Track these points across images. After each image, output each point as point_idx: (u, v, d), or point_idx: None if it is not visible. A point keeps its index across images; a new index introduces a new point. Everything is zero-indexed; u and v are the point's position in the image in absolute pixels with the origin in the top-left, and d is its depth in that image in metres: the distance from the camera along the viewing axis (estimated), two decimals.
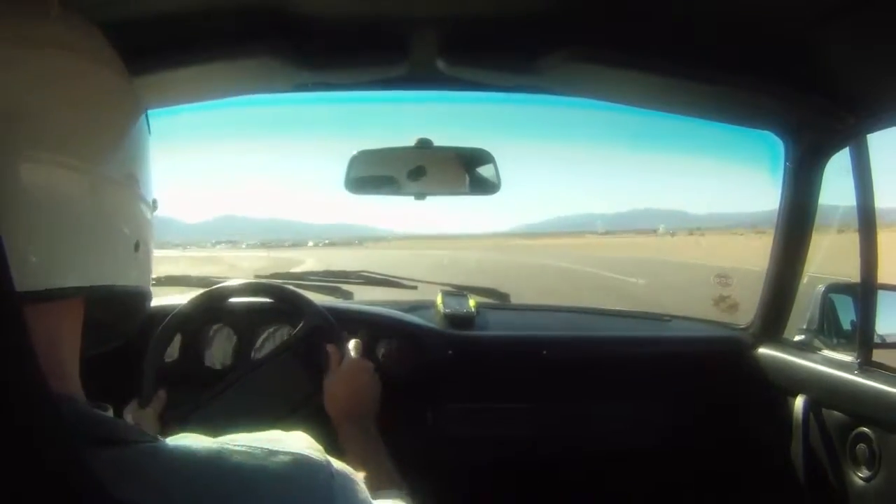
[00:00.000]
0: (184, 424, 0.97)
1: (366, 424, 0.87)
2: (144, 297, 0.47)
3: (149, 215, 0.46)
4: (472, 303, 1.34)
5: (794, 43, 0.84)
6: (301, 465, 0.38)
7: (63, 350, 0.41)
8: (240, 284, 1.15)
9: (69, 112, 0.39)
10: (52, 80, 0.38)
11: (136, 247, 0.43)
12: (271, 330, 1.16)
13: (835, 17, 0.77)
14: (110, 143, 0.42)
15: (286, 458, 0.38)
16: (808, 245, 1.20)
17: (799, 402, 1.10)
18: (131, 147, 0.44)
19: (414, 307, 1.36)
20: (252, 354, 1.14)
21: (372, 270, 1.54)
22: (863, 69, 0.87)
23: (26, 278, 0.35)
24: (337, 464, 0.41)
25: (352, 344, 0.99)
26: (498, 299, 1.54)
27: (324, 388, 0.95)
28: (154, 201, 0.47)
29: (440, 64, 0.94)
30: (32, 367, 0.31)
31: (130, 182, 0.42)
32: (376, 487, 0.68)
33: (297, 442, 0.40)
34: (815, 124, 1.06)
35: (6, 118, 0.35)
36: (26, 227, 0.35)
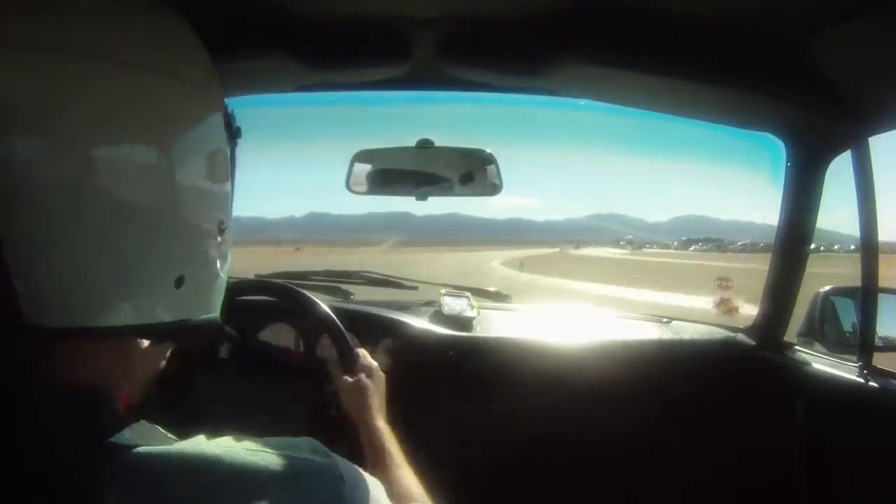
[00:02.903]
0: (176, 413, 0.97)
1: (385, 425, 0.86)
2: (201, 328, 0.45)
3: (204, 244, 0.44)
4: (473, 304, 1.34)
5: (797, 46, 0.84)
6: (310, 468, 0.38)
7: (111, 376, 0.41)
8: (247, 282, 1.14)
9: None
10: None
11: (180, 282, 0.41)
12: (274, 328, 1.15)
13: (837, 20, 0.77)
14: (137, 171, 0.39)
15: (295, 462, 0.38)
16: (809, 248, 1.20)
17: (799, 403, 1.10)
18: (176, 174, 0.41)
19: (415, 308, 1.36)
20: (253, 352, 1.14)
21: (373, 270, 1.54)
22: (865, 72, 0.87)
23: (66, 315, 0.36)
24: (345, 465, 0.41)
25: (361, 351, 0.97)
26: (499, 301, 1.54)
27: (341, 387, 0.92)
28: (221, 223, 0.45)
29: (442, 65, 0.94)
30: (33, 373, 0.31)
31: (172, 217, 0.41)
32: (403, 496, 0.67)
33: (305, 446, 0.40)
34: (816, 127, 1.06)
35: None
36: (64, 265, 0.36)
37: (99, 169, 0.37)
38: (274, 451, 0.38)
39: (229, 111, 0.47)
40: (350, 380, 0.93)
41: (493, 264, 29.46)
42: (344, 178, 1.24)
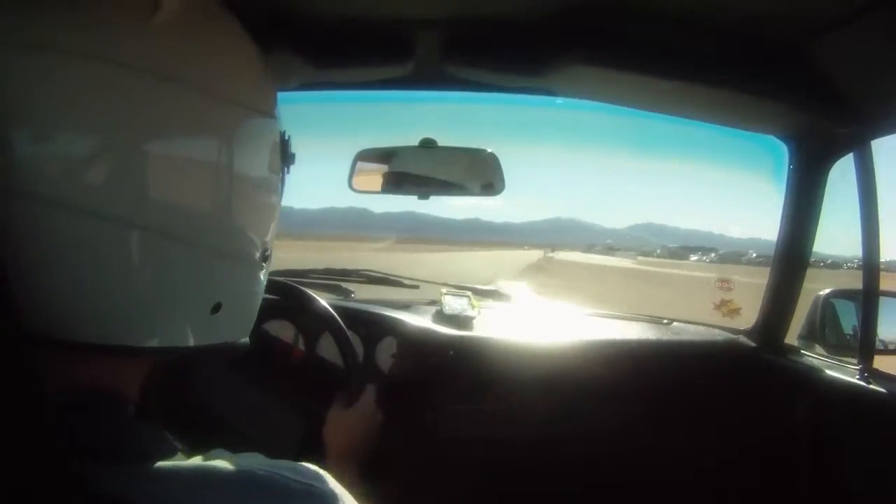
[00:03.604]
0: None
1: (355, 471, 0.84)
2: (229, 350, 0.45)
3: (245, 272, 0.43)
4: (474, 303, 1.34)
5: (799, 48, 0.84)
6: (317, 495, 0.39)
7: (129, 381, 0.41)
8: (278, 283, 1.13)
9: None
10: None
11: (216, 308, 0.41)
12: (274, 324, 1.16)
13: (840, 22, 0.77)
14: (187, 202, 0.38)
15: (305, 488, 0.38)
16: (811, 250, 1.20)
17: (800, 406, 1.10)
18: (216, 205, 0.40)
19: (415, 307, 1.36)
20: (253, 349, 1.13)
21: (374, 269, 1.54)
22: (867, 75, 0.87)
23: (94, 329, 0.37)
24: (349, 496, 0.42)
25: (370, 387, 0.96)
26: (500, 300, 1.54)
27: (330, 418, 0.90)
28: (266, 251, 0.45)
29: (445, 65, 0.94)
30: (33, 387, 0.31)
31: (212, 244, 0.40)
32: None
33: (313, 473, 0.41)
34: (819, 129, 1.06)
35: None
36: (101, 283, 0.36)
37: (153, 189, 0.37)
38: (286, 475, 0.38)
39: (286, 137, 0.47)
40: (345, 410, 0.91)
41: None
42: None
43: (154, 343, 0.39)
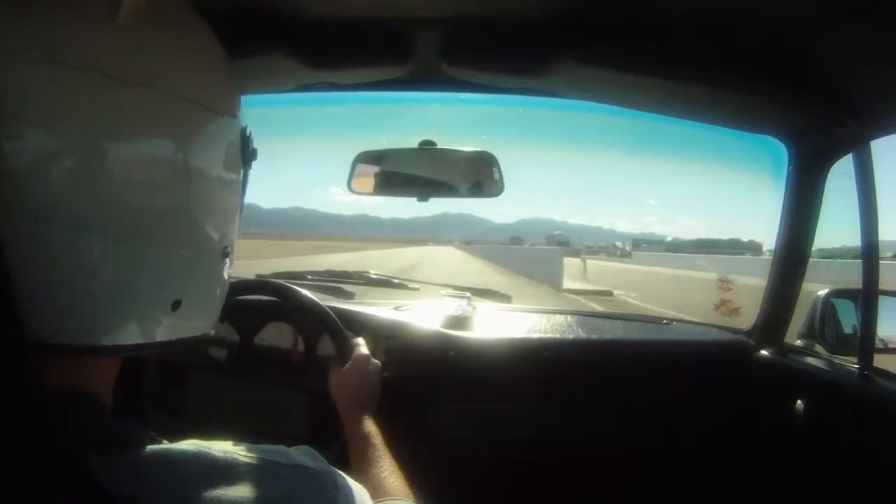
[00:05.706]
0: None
1: (370, 420, 0.87)
2: (190, 343, 0.45)
3: (205, 270, 0.44)
4: (473, 305, 1.34)
5: (798, 48, 0.84)
6: (307, 477, 0.39)
7: (100, 381, 0.41)
8: (247, 281, 1.14)
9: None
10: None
11: (176, 305, 0.41)
12: (273, 328, 1.16)
13: (839, 22, 0.77)
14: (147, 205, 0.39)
15: (293, 471, 0.39)
16: (810, 250, 1.20)
17: (799, 406, 1.10)
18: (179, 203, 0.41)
19: (416, 308, 1.36)
20: (252, 349, 1.14)
21: (375, 271, 1.55)
22: (867, 75, 0.87)
23: (62, 332, 0.37)
24: (341, 476, 0.42)
25: (359, 340, 1.01)
26: (499, 301, 1.54)
27: (330, 379, 0.95)
28: (226, 248, 0.45)
29: (444, 66, 0.94)
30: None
31: (170, 241, 0.40)
32: (381, 493, 0.68)
33: (303, 455, 0.41)
34: (818, 129, 1.06)
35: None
36: (59, 284, 0.36)
37: (110, 191, 0.37)
38: (273, 460, 0.39)
39: (248, 134, 0.47)
40: (341, 369, 0.95)
41: None
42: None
43: (116, 341, 0.39)
